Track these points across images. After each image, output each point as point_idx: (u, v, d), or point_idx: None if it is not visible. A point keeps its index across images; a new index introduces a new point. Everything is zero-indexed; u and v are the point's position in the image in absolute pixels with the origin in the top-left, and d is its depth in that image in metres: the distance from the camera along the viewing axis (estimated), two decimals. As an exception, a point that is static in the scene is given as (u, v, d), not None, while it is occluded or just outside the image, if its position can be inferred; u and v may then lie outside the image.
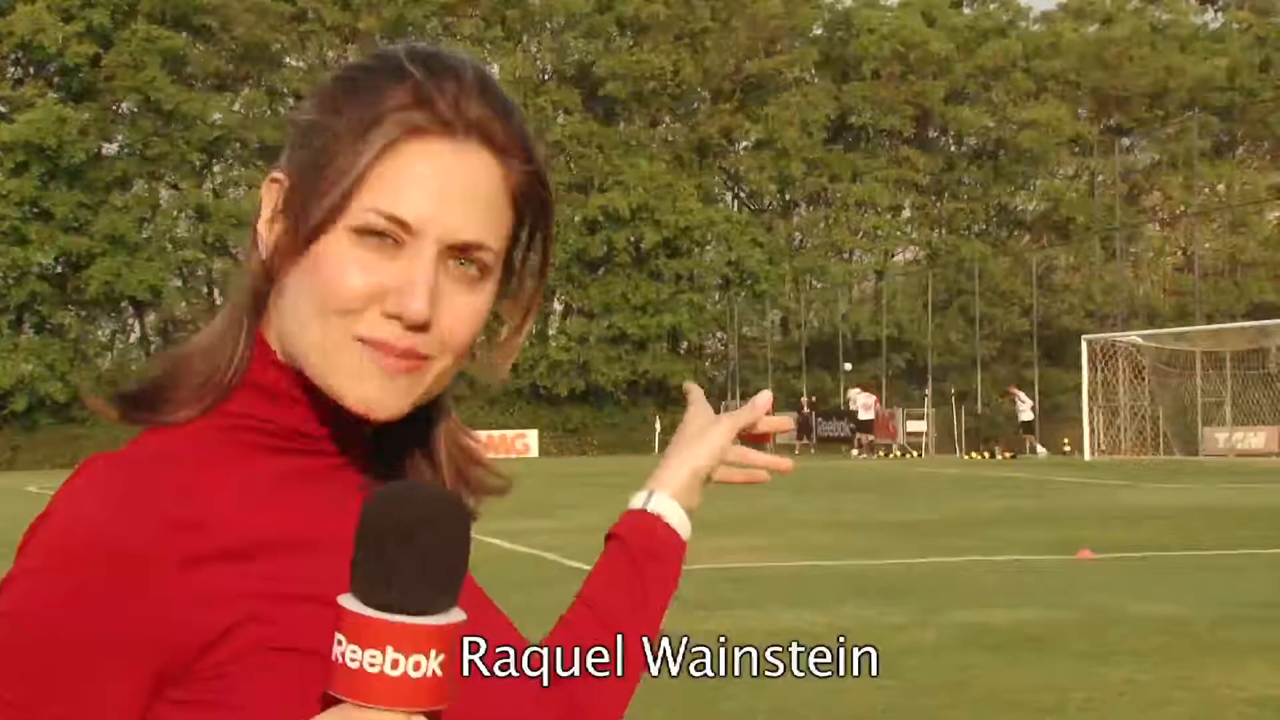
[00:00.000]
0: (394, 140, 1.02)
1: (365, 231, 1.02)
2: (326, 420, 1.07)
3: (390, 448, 1.13)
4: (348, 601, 0.88)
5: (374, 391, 1.02)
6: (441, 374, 1.06)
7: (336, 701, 0.88)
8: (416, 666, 0.85)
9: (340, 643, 0.87)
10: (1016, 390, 43.29)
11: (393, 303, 1.01)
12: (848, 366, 49.89)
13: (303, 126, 1.07)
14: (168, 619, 0.95)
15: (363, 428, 1.08)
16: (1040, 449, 41.68)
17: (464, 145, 1.04)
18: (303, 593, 0.98)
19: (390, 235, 1.02)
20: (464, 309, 1.04)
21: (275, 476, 1.04)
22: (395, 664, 0.85)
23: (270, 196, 1.07)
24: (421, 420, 1.12)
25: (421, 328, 1.02)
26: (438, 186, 1.02)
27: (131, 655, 0.95)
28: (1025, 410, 42.37)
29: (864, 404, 45.26)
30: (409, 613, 0.86)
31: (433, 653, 0.86)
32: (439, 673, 0.86)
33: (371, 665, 0.85)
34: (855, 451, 46.41)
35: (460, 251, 1.03)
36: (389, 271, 1.01)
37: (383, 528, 0.88)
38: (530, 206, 1.09)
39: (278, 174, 1.07)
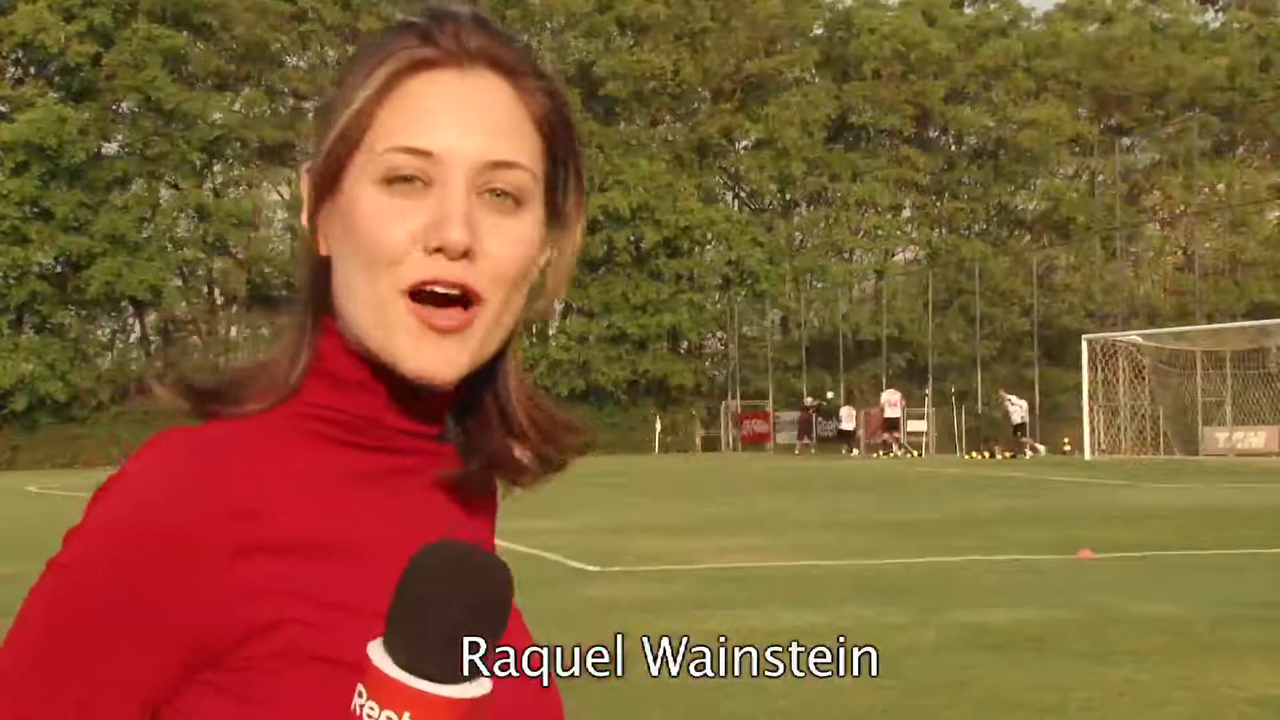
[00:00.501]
0: (398, 72, 1.02)
1: (393, 179, 1.01)
2: (399, 406, 1.05)
3: (469, 425, 1.11)
4: (375, 653, 0.87)
5: (427, 354, 1.01)
6: (497, 319, 1.03)
7: None
8: None
9: (361, 694, 0.87)
10: (1006, 393, 43.29)
11: (432, 238, 1.00)
12: (830, 394, 49.79)
13: (321, 109, 1.08)
14: (212, 604, 0.96)
15: (439, 412, 1.07)
16: (1039, 447, 41.65)
17: (471, 72, 1.03)
18: (347, 602, 0.98)
19: (418, 177, 1.01)
20: (508, 235, 1.02)
21: (342, 474, 1.04)
22: None
23: (305, 189, 1.08)
24: (491, 390, 1.11)
25: (465, 256, 1.00)
26: (454, 113, 1.02)
27: (170, 634, 0.96)
28: (1016, 413, 42.36)
29: (890, 401, 44.89)
30: (434, 679, 0.86)
31: None
32: None
33: None
34: (855, 451, 46.42)
35: (492, 174, 1.02)
36: (423, 210, 1.01)
37: (423, 594, 0.87)
38: (555, 127, 1.07)
39: (308, 165, 1.08)
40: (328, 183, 1.04)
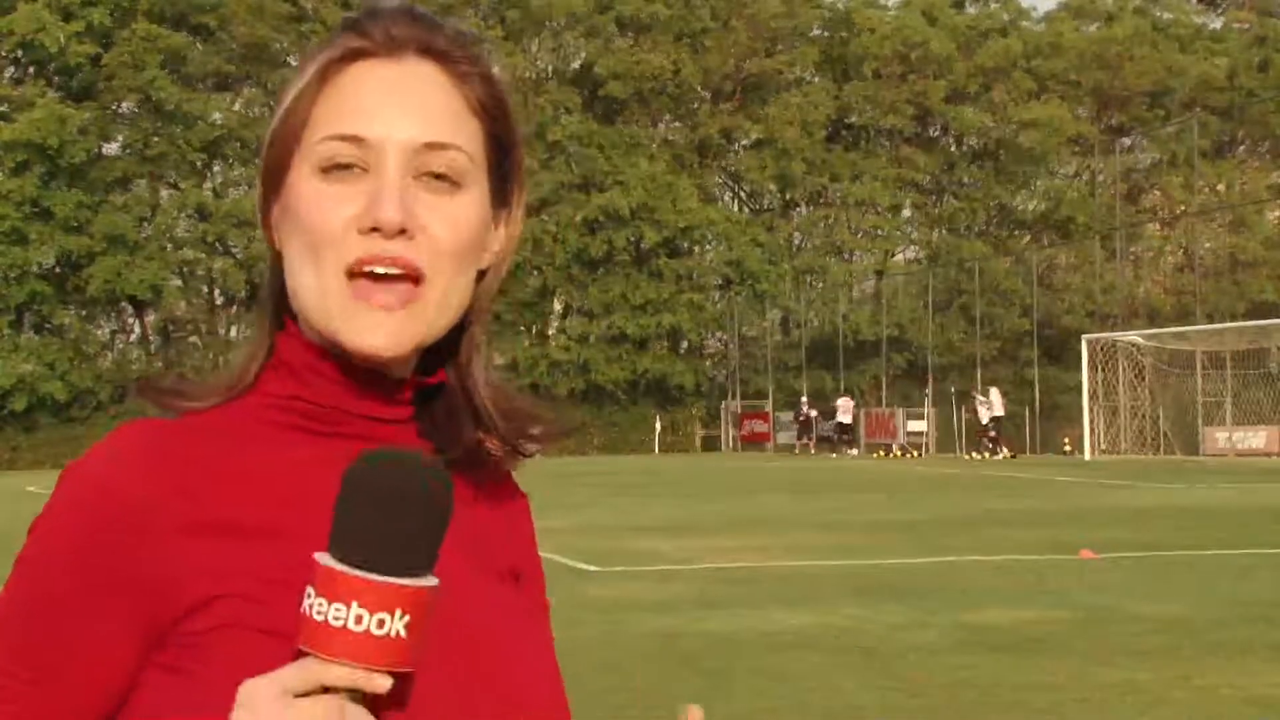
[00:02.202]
0: (333, 61, 1.04)
1: (330, 167, 1.03)
2: (357, 391, 1.07)
3: (433, 411, 1.12)
4: (321, 556, 0.89)
5: (372, 328, 1.02)
6: (444, 296, 1.04)
7: (305, 655, 0.89)
8: (380, 624, 0.86)
9: (309, 595, 0.88)
10: (981, 392, 43.27)
11: (365, 218, 1.02)
12: (845, 407, 48.45)
13: (273, 113, 1.10)
14: (158, 579, 0.98)
15: (400, 396, 1.08)
16: (1005, 452, 41.52)
17: (404, 60, 1.05)
18: (291, 578, 0.98)
19: (355, 164, 1.03)
20: (446, 214, 1.04)
21: (299, 460, 1.05)
22: (359, 619, 0.86)
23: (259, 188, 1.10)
24: (457, 379, 1.12)
25: (401, 233, 1.01)
26: (385, 99, 1.03)
27: (122, 607, 0.99)
28: (984, 411, 42.31)
29: (992, 400, 43.56)
30: (379, 572, 0.87)
31: (398, 613, 0.87)
32: (403, 634, 0.87)
33: (336, 619, 0.87)
34: (854, 451, 46.34)
35: (426, 156, 1.03)
36: (360, 194, 1.02)
37: (360, 490, 0.90)
38: (491, 111, 1.08)
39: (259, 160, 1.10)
40: (273, 179, 1.06)
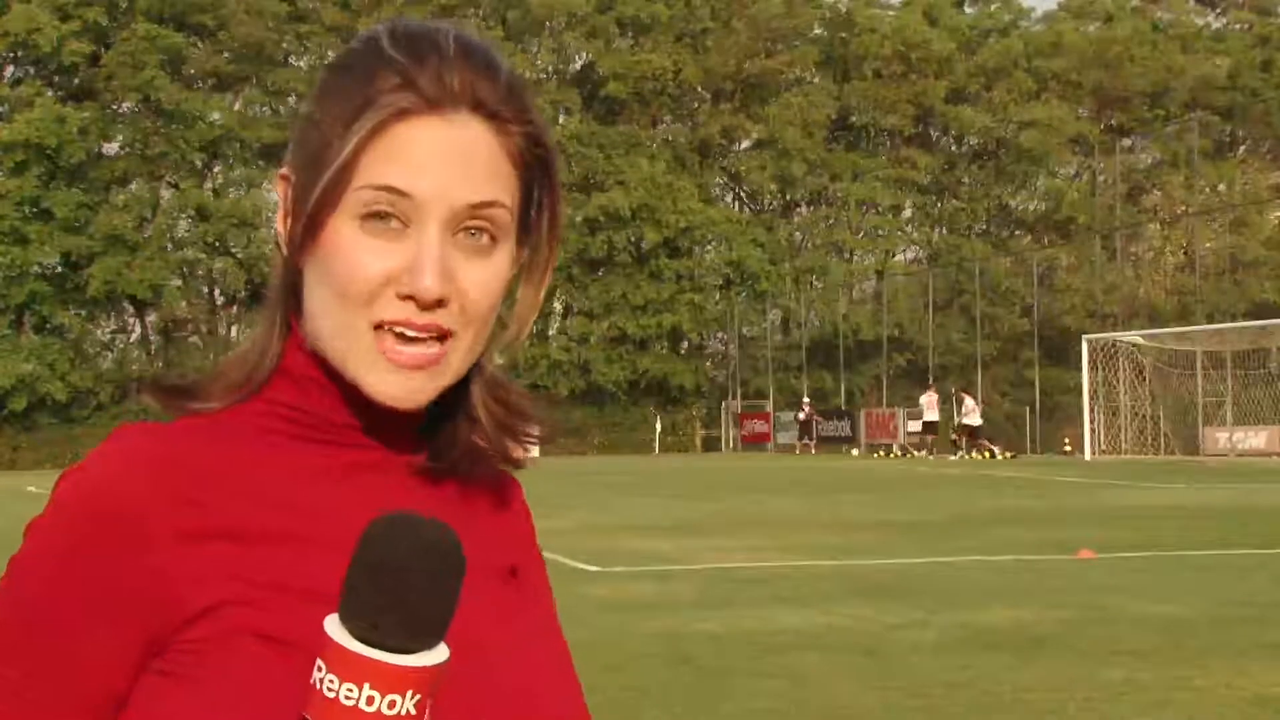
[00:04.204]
0: (381, 123, 1.02)
1: (370, 216, 1.02)
2: (358, 407, 1.06)
3: (441, 423, 1.12)
4: (332, 628, 0.89)
5: (393, 384, 1.02)
6: (466, 352, 1.05)
7: None
8: (391, 705, 0.87)
9: (320, 669, 0.88)
10: (964, 393, 43.15)
11: (405, 283, 1.01)
12: (930, 403, 46.20)
13: (302, 120, 1.09)
14: (156, 587, 0.98)
15: (405, 413, 1.07)
16: (997, 452, 41.28)
17: (453, 117, 1.03)
18: (291, 584, 0.99)
19: (396, 216, 1.02)
20: (480, 278, 1.04)
21: (299, 468, 1.05)
22: (370, 700, 0.86)
23: (281, 193, 1.09)
24: (461, 385, 1.11)
25: (437, 304, 1.02)
26: (433, 159, 1.02)
27: (118, 615, 0.98)
28: (973, 414, 42.14)
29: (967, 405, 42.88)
30: (391, 650, 0.87)
31: (409, 693, 0.87)
32: (413, 712, 0.88)
33: (348, 699, 0.87)
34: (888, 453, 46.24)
35: (468, 217, 1.03)
36: (399, 253, 1.02)
37: (375, 563, 0.89)
38: (533, 165, 1.08)
39: (285, 170, 1.09)
40: (312, 221, 1.04)
